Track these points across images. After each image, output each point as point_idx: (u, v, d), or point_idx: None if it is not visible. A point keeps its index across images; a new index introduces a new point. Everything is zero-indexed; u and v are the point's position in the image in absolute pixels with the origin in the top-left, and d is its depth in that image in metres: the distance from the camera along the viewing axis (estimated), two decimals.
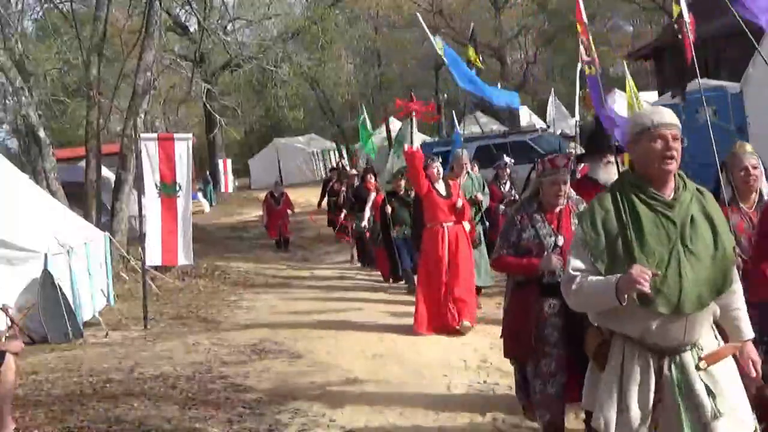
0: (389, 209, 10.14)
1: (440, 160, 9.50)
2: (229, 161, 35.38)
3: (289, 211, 16.53)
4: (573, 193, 4.27)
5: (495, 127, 22.48)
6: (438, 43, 8.47)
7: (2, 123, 31.34)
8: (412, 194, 9.33)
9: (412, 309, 8.00)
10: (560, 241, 4.06)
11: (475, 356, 6.31)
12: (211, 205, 26.90)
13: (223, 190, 32.79)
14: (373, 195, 11.59)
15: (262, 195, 30.87)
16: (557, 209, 4.17)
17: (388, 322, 7.98)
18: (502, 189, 10.10)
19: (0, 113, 27.91)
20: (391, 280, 10.77)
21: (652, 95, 26.29)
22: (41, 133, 12.29)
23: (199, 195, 25.69)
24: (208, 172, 31.40)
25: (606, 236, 2.70)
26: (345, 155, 40.37)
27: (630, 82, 8.27)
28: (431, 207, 7.47)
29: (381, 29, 33.06)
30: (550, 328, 3.98)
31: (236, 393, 5.56)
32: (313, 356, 6.69)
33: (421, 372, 5.92)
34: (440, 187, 7.51)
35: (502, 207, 9.67)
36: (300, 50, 25.90)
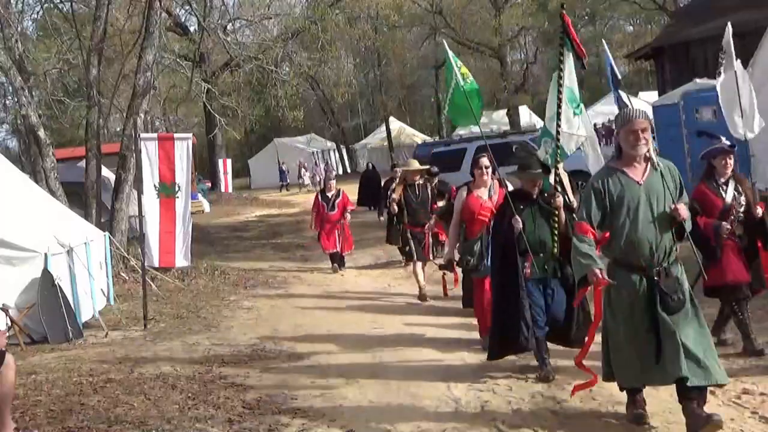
0: (519, 223, 5.43)
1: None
2: (229, 161, 35.39)
3: (347, 215, 12.08)
4: None
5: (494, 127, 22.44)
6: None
7: (2, 123, 31.41)
8: (558, 199, 5.42)
9: (414, 309, 7.96)
10: None
11: (475, 356, 6.30)
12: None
13: (223, 189, 32.79)
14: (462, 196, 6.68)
15: (263, 195, 31.04)
16: None
17: (389, 322, 7.97)
18: (722, 193, 5.54)
19: (0, 113, 27.98)
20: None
21: (652, 95, 26.27)
22: (41, 133, 12.30)
23: (199, 195, 25.69)
24: (205, 170, 31.40)
25: None
26: (345, 155, 40.33)
27: None
28: None
29: (381, 29, 33.10)
30: None
31: (236, 393, 5.57)
32: (313, 356, 6.70)
33: (421, 372, 5.91)
34: None
35: (725, 225, 5.39)
36: (300, 50, 25.93)
